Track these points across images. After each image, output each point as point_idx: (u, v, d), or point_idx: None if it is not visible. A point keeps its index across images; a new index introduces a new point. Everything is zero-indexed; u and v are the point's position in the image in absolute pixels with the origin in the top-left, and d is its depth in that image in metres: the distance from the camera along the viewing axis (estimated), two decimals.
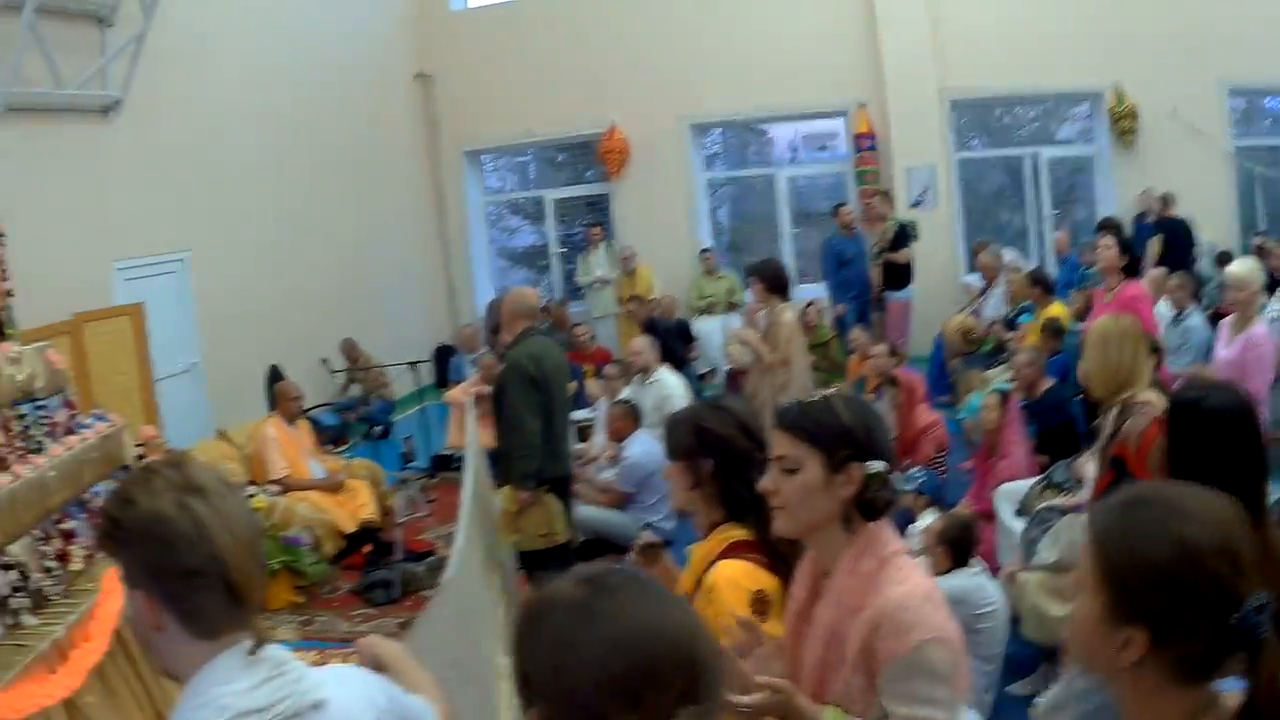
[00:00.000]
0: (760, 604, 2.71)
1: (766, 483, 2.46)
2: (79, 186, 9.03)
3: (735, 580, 2.75)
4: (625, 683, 1.40)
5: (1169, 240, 11.53)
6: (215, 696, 1.66)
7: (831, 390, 2.56)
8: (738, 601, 2.69)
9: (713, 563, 2.82)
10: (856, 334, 10.79)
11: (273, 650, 1.74)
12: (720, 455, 2.89)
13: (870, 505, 2.41)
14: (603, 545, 7.68)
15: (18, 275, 6.91)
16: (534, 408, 6.03)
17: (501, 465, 6.28)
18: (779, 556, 2.77)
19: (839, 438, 2.39)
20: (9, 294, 6.77)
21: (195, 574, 1.66)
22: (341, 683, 1.84)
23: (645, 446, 7.80)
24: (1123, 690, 1.70)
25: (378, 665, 2.02)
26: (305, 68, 12.46)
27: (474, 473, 5.91)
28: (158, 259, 10.10)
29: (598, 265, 14.55)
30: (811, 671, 2.44)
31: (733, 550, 2.83)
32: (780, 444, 2.45)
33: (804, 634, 2.50)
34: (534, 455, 6.05)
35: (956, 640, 2.31)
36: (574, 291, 15.48)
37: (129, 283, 9.54)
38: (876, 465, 2.39)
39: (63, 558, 5.97)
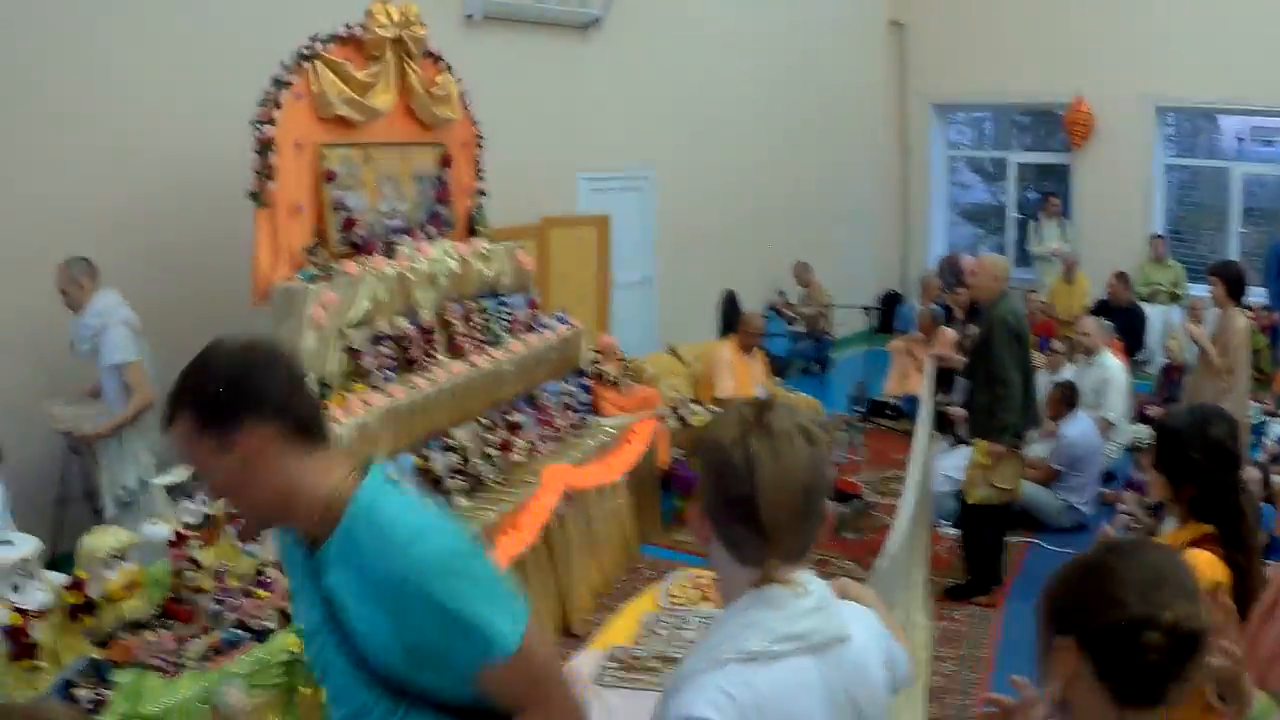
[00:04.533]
0: (1214, 597, 2.52)
1: None
2: (554, 98, 8.99)
3: (1200, 569, 2.52)
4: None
5: None
6: (762, 620, 1.68)
7: None
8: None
9: (1183, 546, 2.71)
10: None
11: (818, 584, 1.75)
12: (1195, 482, 2.78)
13: None
14: (1024, 517, 7.02)
15: (492, 177, 6.87)
16: (1017, 362, 5.79)
17: (978, 419, 5.99)
18: (1240, 555, 2.71)
19: None
20: (482, 194, 6.76)
21: (735, 504, 1.67)
22: (859, 622, 1.84)
23: (1082, 428, 7.35)
24: None
25: None
26: (782, 4, 11.92)
27: (924, 430, 5.66)
28: (624, 174, 9.97)
29: (1050, 236, 13.22)
30: (1264, 664, 2.25)
31: (1203, 542, 2.73)
32: None
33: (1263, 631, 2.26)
34: (1015, 409, 5.79)
35: None
36: (1022, 257, 14.12)
37: (594, 194, 9.46)
38: None
39: (505, 448, 5.89)
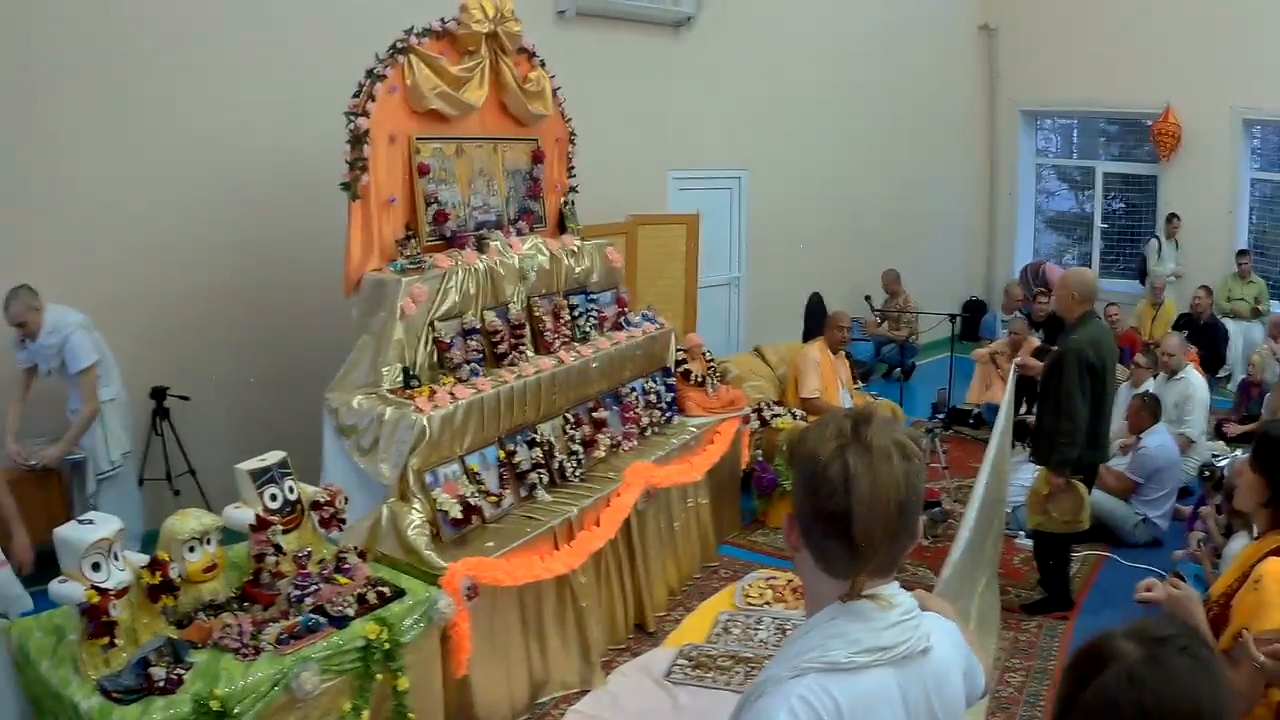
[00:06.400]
0: None
1: None
2: (645, 96, 8.87)
3: (1277, 575, 2.72)
4: None
5: None
6: (848, 631, 1.66)
7: None
8: None
9: (1264, 557, 2.81)
10: None
11: (904, 598, 1.73)
12: None
13: None
14: (1100, 531, 6.76)
15: (582, 174, 6.76)
16: (1086, 395, 5.49)
17: (1041, 445, 5.71)
18: None
19: None
20: (572, 189, 6.62)
21: (828, 518, 1.64)
22: (941, 633, 1.81)
23: (1161, 440, 7.04)
24: None
25: None
26: (873, 7, 11.68)
27: (1002, 439, 5.30)
28: (714, 174, 9.82)
29: (1170, 258, 12.63)
30: None
31: None
32: None
33: None
34: (1077, 444, 5.51)
35: None
36: (1106, 269, 13.74)
37: (683, 193, 9.31)
38: None
39: (589, 444, 5.76)
